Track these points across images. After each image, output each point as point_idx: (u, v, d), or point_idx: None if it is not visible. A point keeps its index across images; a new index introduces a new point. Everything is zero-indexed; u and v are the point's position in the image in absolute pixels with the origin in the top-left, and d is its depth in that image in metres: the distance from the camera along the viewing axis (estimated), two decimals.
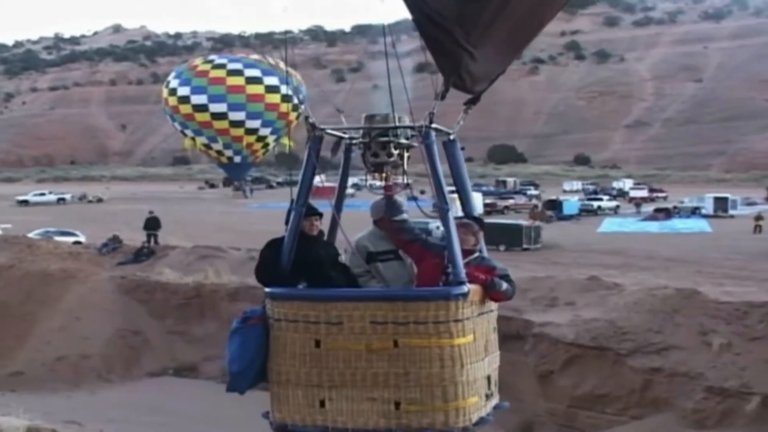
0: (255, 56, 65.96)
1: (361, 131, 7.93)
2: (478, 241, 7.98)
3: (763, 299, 26.10)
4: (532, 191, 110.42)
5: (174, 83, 62.88)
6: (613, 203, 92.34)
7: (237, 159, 61.22)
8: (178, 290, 36.31)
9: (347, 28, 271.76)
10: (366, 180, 8.13)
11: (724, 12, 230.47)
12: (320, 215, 8.03)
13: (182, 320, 35.72)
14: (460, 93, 7.56)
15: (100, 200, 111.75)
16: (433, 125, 7.45)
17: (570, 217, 78.37)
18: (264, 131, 58.82)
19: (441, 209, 7.41)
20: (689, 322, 24.99)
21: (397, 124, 7.73)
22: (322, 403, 7.28)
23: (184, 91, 62.49)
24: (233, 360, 7.49)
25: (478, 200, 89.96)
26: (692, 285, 29.18)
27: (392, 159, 7.83)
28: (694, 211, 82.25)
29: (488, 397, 7.63)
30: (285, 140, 60.56)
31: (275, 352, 7.45)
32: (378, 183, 8.08)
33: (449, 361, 7.00)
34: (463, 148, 8.02)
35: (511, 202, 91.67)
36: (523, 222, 61.75)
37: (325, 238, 8.25)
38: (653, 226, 70.05)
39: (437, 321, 6.99)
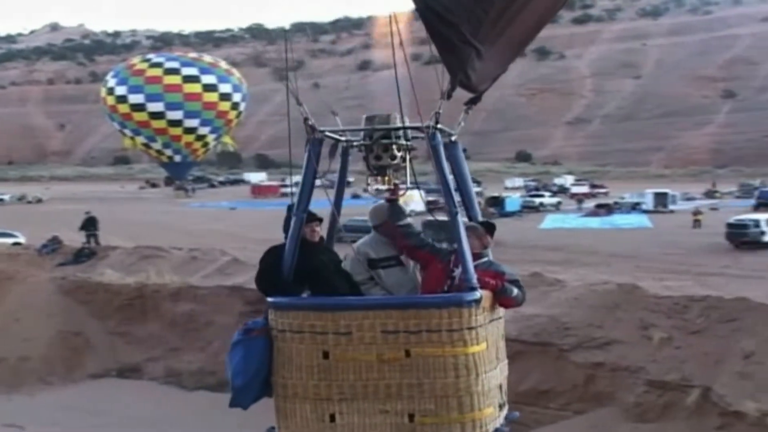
0: (193, 54, 65.84)
1: (361, 133, 7.57)
2: (484, 245, 7.73)
3: (702, 293, 26.39)
4: (474, 188, 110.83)
5: (112, 82, 62.57)
6: (555, 200, 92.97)
7: (177, 158, 61.11)
8: (120, 291, 36.03)
9: (287, 26, 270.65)
10: (368, 184, 7.74)
11: (662, 9, 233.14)
12: (320, 221, 7.65)
13: (124, 321, 35.46)
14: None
15: (39, 201, 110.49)
16: (439, 126, 7.20)
17: (512, 214, 78.56)
18: (203, 130, 58.76)
19: (449, 212, 7.16)
20: (630, 317, 25.22)
21: (399, 125, 7.44)
22: (332, 418, 6.96)
23: (121, 90, 62.09)
24: (237, 374, 7.15)
25: (419, 198, 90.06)
26: (633, 280, 29.43)
27: (395, 162, 7.49)
28: (635, 207, 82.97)
29: (501, 407, 7.34)
30: (226, 139, 60.51)
31: (280, 364, 7.10)
32: (383, 187, 7.71)
33: (464, 370, 6.72)
34: (464, 150, 7.88)
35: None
36: (465, 219, 61.76)
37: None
38: (594, 222, 70.54)
39: (451, 329, 6.71)
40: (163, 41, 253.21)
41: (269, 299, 7.26)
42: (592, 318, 25.62)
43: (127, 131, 61.94)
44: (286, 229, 7.38)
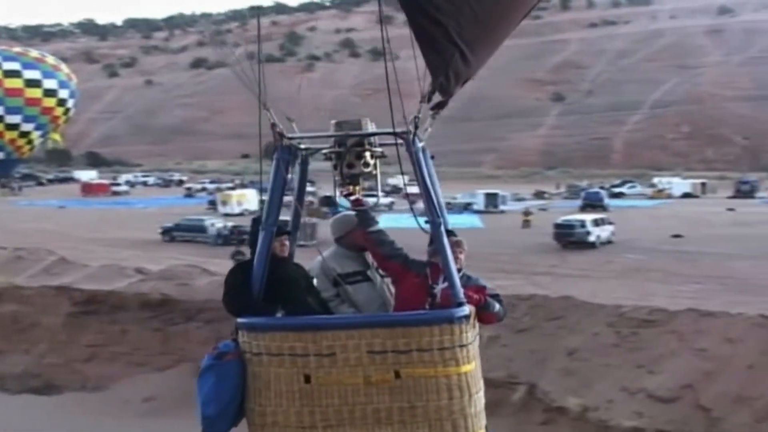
0: (17, 49, 64.02)
1: (330, 140, 7.20)
2: (457, 257, 7.23)
3: (529, 292, 26.99)
4: (309, 188, 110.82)
5: None
6: (388, 199, 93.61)
7: (1, 155, 59.22)
8: None
9: (119, 22, 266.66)
10: (336, 193, 7.37)
11: None
12: (290, 234, 7.22)
13: None
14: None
15: None
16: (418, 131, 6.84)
17: None
18: (26, 127, 56.97)
19: (433, 222, 6.84)
20: None
21: (371, 130, 7.08)
22: None
23: None
24: (208, 402, 6.55)
25: (253, 197, 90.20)
26: None
27: (368, 169, 7.12)
28: (466, 207, 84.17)
29: (487, 429, 6.87)
30: (54, 136, 58.97)
31: (256, 390, 6.54)
32: (348, 194, 7.34)
33: (457, 391, 6.34)
34: (432, 157, 7.41)
35: (286, 199, 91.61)
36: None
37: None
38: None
39: (442, 347, 6.32)
40: None
41: (241, 320, 6.69)
42: None
43: None
44: (252, 244, 6.92)
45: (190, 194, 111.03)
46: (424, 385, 6.31)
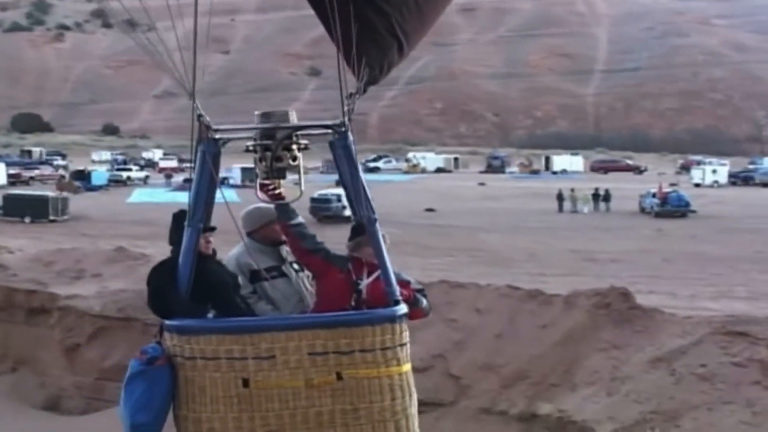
0: None
1: (257, 131, 6.74)
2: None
3: None
4: (59, 161, 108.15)
5: None
6: (143, 174, 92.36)
7: None
8: None
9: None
10: (257, 189, 6.96)
11: None
12: (214, 230, 6.70)
13: None
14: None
15: None
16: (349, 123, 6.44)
17: (99, 188, 77.54)
18: None
19: (368, 218, 6.55)
20: None
21: (300, 123, 6.67)
22: None
23: None
24: (138, 410, 6.03)
25: (1, 171, 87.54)
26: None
27: (296, 163, 6.66)
28: (222, 182, 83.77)
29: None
30: None
31: (189, 396, 6.08)
32: (272, 189, 6.92)
33: (399, 391, 6.11)
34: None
35: (36, 172, 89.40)
36: (50, 193, 60.58)
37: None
38: (184, 197, 70.73)
39: (384, 347, 6.07)
40: None
41: (171, 322, 6.20)
42: None
43: None
44: (173, 242, 6.47)
45: None
46: (367, 386, 6.09)
